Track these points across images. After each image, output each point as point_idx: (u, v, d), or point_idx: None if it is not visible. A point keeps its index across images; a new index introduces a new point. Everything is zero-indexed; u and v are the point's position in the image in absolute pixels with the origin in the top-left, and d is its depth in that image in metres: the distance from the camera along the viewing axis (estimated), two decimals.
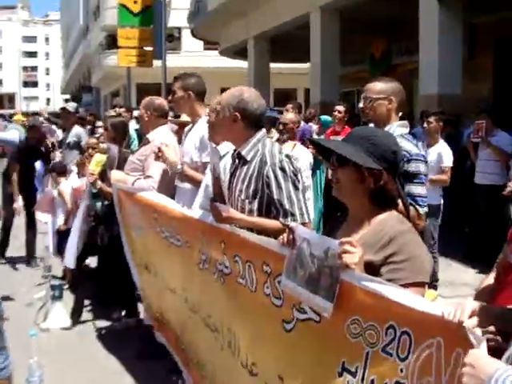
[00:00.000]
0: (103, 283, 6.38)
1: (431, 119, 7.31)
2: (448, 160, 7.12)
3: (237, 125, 3.34)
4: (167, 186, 4.85)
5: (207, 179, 4.17)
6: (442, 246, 7.19)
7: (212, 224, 3.31)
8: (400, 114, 3.87)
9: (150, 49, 18.59)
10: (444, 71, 10.62)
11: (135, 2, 18.35)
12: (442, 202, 7.05)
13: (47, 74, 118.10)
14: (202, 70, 24.48)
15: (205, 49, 34.29)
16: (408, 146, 3.54)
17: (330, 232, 2.57)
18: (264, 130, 3.45)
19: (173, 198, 4.58)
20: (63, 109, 9.40)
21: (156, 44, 18.23)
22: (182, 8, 27.42)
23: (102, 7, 40.58)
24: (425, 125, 7.41)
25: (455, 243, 8.48)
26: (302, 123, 9.63)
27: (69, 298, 6.26)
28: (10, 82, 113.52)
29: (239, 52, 21.49)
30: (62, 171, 7.60)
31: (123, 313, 5.94)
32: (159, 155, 4.55)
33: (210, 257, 3.36)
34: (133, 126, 9.96)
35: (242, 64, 22.08)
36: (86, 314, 6.21)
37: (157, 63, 18.41)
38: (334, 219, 2.72)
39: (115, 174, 5.25)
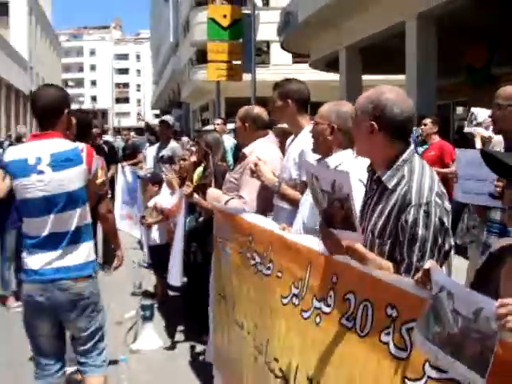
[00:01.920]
0: (195, 303, 6.07)
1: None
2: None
3: (374, 137, 2.60)
4: (264, 203, 4.44)
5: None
6: None
7: (323, 253, 2.72)
8: None
9: (239, 62, 18.47)
10: None
11: (225, 17, 18.30)
12: None
13: (138, 90, 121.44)
14: None
15: (293, 62, 34.03)
16: None
17: (486, 275, 2.07)
18: (412, 145, 2.70)
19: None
20: (162, 121, 9.17)
21: (245, 58, 18.08)
22: (270, 21, 27.25)
23: (192, 23, 41.07)
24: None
25: None
26: None
27: (160, 317, 6.01)
28: (104, 99, 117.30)
29: (330, 64, 21.07)
30: (158, 181, 7.33)
31: None
32: (254, 172, 4.14)
33: (306, 292, 2.82)
34: (228, 139, 9.68)
35: (332, 77, 21.65)
36: (178, 336, 5.93)
37: (246, 77, 18.25)
38: (490, 257, 2.17)
39: (210, 192, 4.87)
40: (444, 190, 2.55)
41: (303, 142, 4.07)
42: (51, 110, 3.68)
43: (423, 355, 1.93)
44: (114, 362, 5.24)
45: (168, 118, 9.40)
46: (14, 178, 3.63)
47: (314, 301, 2.71)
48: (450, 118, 19.73)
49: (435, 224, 2.44)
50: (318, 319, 2.65)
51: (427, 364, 1.93)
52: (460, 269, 7.94)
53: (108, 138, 22.12)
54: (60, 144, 3.64)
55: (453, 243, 2.51)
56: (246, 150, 4.77)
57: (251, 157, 4.57)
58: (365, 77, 19.09)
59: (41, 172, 3.56)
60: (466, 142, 12.75)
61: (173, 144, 8.73)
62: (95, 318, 3.81)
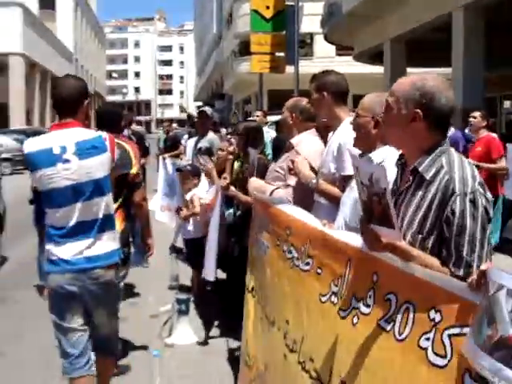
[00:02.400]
0: (232, 298, 5.98)
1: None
2: None
3: (416, 126, 2.46)
4: (303, 199, 4.31)
5: (354, 193, 3.48)
6: None
7: (364, 250, 2.54)
8: None
9: (282, 54, 18.33)
10: None
11: (268, 8, 18.17)
12: None
13: (181, 82, 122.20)
14: None
15: (337, 54, 33.77)
16: None
17: None
18: (447, 137, 2.55)
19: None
20: (201, 112, 9.08)
21: (288, 50, 17.94)
22: (313, 13, 27.06)
23: (235, 15, 41.06)
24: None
25: None
26: (452, 130, 8.91)
27: (196, 311, 5.93)
28: (147, 90, 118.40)
29: (374, 56, 20.80)
30: (197, 173, 7.24)
31: None
32: (291, 169, 4.03)
33: (345, 290, 2.66)
34: (267, 132, 9.55)
35: (377, 69, 21.36)
36: (214, 330, 5.85)
37: (289, 69, 18.11)
38: None
39: (253, 182, 4.70)
40: (482, 180, 2.40)
41: (342, 135, 3.94)
42: (72, 100, 3.66)
43: (464, 365, 1.79)
44: (146, 356, 5.22)
45: (206, 108, 9.30)
46: (36, 169, 3.58)
47: (352, 300, 2.57)
48: (497, 111, 19.27)
49: (482, 214, 2.31)
50: (355, 319, 2.51)
51: (467, 374, 1.79)
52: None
53: (139, 128, 22.13)
54: (83, 133, 3.62)
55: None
56: (293, 141, 4.65)
57: (300, 147, 4.49)
58: (409, 69, 18.78)
59: (67, 161, 3.53)
60: None
61: (211, 135, 8.59)
62: (119, 306, 3.82)
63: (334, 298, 2.77)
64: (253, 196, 4.53)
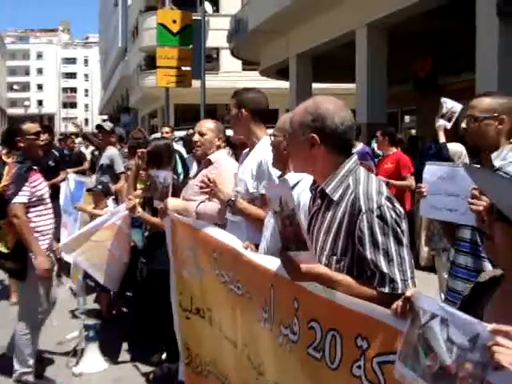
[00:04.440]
0: (140, 322, 5.81)
1: None
2: None
3: (316, 150, 2.46)
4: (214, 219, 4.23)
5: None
6: None
7: (284, 276, 2.48)
8: None
9: (188, 69, 18.24)
10: (505, 91, 9.91)
11: (174, 22, 18.05)
12: None
13: (86, 95, 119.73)
14: None
15: (243, 69, 33.93)
16: None
17: (470, 307, 1.87)
18: (355, 156, 2.57)
19: None
20: (99, 127, 8.80)
21: (195, 64, 17.87)
22: (220, 28, 27.13)
23: (141, 28, 40.63)
24: None
25: None
26: (360, 145, 9.07)
27: (105, 336, 5.72)
28: (50, 103, 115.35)
29: (280, 72, 21.00)
30: (108, 192, 7.00)
31: (164, 356, 5.36)
32: (210, 190, 3.89)
33: (275, 317, 2.61)
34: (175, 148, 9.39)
35: (283, 84, 21.57)
36: (124, 356, 5.66)
37: (195, 84, 18.04)
38: (475, 287, 1.99)
39: (173, 202, 4.50)
40: (391, 195, 2.43)
41: (260, 153, 3.91)
42: None
43: None
44: None
45: (105, 123, 9.07)
46: None
47: (281, 327, 2.53)
48: (398, 125, 19.88)
49: (393, 227, 2.31)
50: (288, 347, 2.47)
51: None
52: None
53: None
54: None
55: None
56: (211, 157, 4.65)
57: (218, 164, 4.48)
58: (315, 85, 19.09)
59: None
60: (415, 148, 12.87)
61: (111, 151, 8.24)
62: None
63: (267, 324, 2.71)
64: (172, 217, 4.38)
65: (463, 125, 3.31)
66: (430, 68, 17.51)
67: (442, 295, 6.26)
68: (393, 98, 18.39)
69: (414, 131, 20.81)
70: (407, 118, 22.54)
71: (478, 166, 3.19)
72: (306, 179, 2.97)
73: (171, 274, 4.39)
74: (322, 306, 2.25)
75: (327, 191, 2.46)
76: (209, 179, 3.89)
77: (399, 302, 1.84)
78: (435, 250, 6.49)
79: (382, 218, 2.31)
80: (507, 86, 9.84)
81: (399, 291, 2.24)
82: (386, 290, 2.27)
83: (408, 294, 1.81)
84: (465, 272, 3.24)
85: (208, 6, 33.27)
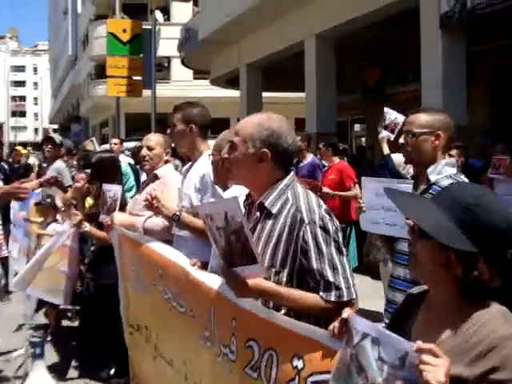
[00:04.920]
0: (89, 337, 5.76)
1: (453, 152, 6.81)
2: None
3: (263, 165, 2.51)
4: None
5: None
6: None
7: (223, 293, 2.53)
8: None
9: (139, 78, 18.13)
10: (448, 102, 10.16)
11: (124, 31, 17.92)
12: None
13: (35, 103, 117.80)
14: (192, 100, 24.08)
15: (194, 78, 33.88)
16: None
17: (402, 319, 1.94)
18: (293, 172, 2.63)
19: None
20: (47, 138, 8.39)
21: (145, 73, 17.77)
22: (170, 37, 27.05)
23: (91, 36, 40.26)
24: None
25: None
26: (311, 156, 9.08)
27: (52, 351, 5.65)
28: None
29: (231, 81, 21.07)
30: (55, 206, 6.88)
31: (113, 371, 5.32)
32: (153, 204, 3.86)
33: (215, 335, 2.61)
34: (125, 159, 9.31)
35: (233, 93, 21.64)
36: (72, 373, 5.59)
37: (146, 93, 17.95)
38: (407, 298, 2.05)
39: (119, 217, 4.46)
40: (327, 208, 2.51)
41: (203, 166, 3.96)
42: None
43: None
44: None
45: (55, 135, 8.88)
46: None
47: (221, 346, 2.53)
48: (347, 134, 20.15)
49: (334, 238, 2.41)
50: (228, 366, 2.47)
51: None
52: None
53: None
54: None
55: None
56: (158, 172, 4.66)
57: (164, 180, 4.48)
58: (265, 94, 19.21)
59: None
60: (363, 157, 13.10)
61: (58, 164, 7.98)
62: None
63: (208, 343, 2.71)
64: (119, 232, 4.36)
65: (401, 140, 3.40)
66: (378, 77, 17.82)
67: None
68: (343, 106, 18.63)
69: (363, 139, 21.12)
70: (357, 127, 22.86)
71: (400, 185, 3.28)
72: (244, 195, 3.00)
73: (120, 288, 4.37)
74: (261, 326, 2.27)
75: (266, 204, 2.50)
76: (151, 195, 3.89)
77: (336, 323, 1.88)
78: (375, 260, 6.60)
79: (324, 228, 2.39)
80: (451, 96, 10.12)
81: (345, 298, 2.33)
82: (333, 298, 2.34)
83: (344, 315, 1.85)
84: (403, 284, 3.32)
85: (159, 15, 33.18)
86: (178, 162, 7.38)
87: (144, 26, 18.55)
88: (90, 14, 42.82)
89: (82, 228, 5.03)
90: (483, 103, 13.50)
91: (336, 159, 8.55)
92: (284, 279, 2.41)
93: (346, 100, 19.03)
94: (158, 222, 4.27)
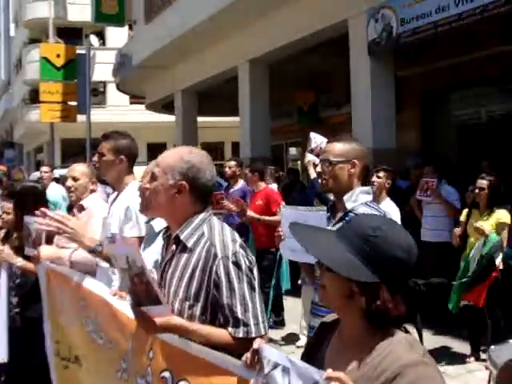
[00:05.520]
0: (16, 372, 5.60)
1: (381, 174, 6.97)
2: (395, 218, 6.76)
3: (181, 197, 2.54)
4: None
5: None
6: None
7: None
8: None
9: (74, 103, 17.96)
10: (377, 125, 10.44)
11: (58, 56, 17.75)
12: None
13: None
14: (128, 125, 24.05)
15: (131, 103, 33.70)
16: None
17: (316, 346, 2.00)
18: (210, 207, 2.69)
19: None
20: None
21: (80, 98, 17.62)
22: (106, 62, 26.92)
23: (25, 61, 39.65)
24: (374, 179, 7.04)
25: None
26: (241, 182, 9.04)
27: None
28: None
29: (167, 106, 21.06)
30: None
31: None
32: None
33: (131, 367, 2.60)
34: (57, 188, 9.15)
35: (170, 118, 21.64)
36: None
37: (82, 118, 17.79)
38: (321, 326, 2.11)
39: (45, 250, 4.36)
40: (243, 243, 2.54)
41: (128, 198, 3.95)
42: None
43: None
44: None
45: None
46: None
47: (137, 378, 2.52)
48: (283, 158, 20.37)
49: (247, 274, 2.42)
50: None
51: None
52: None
53: None
54: None
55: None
56: (83, 203, 4.65)
57: (89, 211, 4.46)
58: (200, 118, 19.29)
59: None
60: (297, 181, 13.23)
61: None
62: None
63: (124, 375, 2.71)
64: (46, 266, 4.28)
65: (318, 168, 3.49)
66: (313, 101, 18.11)
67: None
68: (278, 130, 18.89)
69: (299, 162, 21.36)
70: (293, 150, 23.09)
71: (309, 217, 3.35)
72: None
73: (45, 323, 4.28)
74: (176, 356, 2.29)
75: (182, 237, 2.52)
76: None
77: (248, 354, 1.93)
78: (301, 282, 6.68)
79: (237, 264, 2.41)
80: (380, 120, 10.40)
81: (253, 335, 2.34)
82: (241, 334, 2.36)
83: (255, 345, 1.90)
84: (324, 311, 3.39)
85: (94, 39, 33.04)
86: (109, 189, 7.31)
87: (79, 51, 18.44)
88: (23, 38, 42.20)
89: (15, 263, 4.88)
90: (412, 126, 13.87)
91: (263, 184, 8.44)
92: (197, 313, 2.43)
93: (282, 124, 19.30)
94: (85, 255, 4.23)
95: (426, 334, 7.57)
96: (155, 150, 29.86)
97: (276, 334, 7.87)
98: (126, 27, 32.59)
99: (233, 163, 9.04)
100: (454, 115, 13.50)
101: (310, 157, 5.83)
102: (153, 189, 2.60)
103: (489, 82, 12.35)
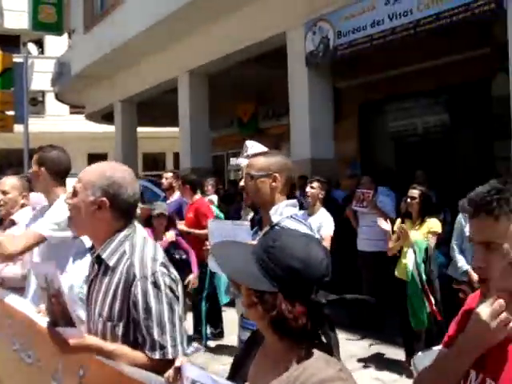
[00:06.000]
0: None
1: (314, 185, 7.03)
2: (329, 228, 6.85)
3: (102, 214, 2.48)
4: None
5: (71, 279, 3.33)
6: None
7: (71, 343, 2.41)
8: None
9: (11, 113, 17.59)
10: (315, 136, 10.59)
11: None
12: None
13: None
14: (68, 135, 23.70)
15: (71, 113, 33.19)
16: (301, 229, 3.02)
17: (242, 360, 2.02)
18: (135, 223, 2.60)
19: None
20: None
21: (17, 108, 17.28)
22: (45, 71, 26.47)
23: None
24: (307, 189, 7.07)
25: (339, 312, 8.25)
26: (177, 194, 8.94)
27: None
28: None
29: (106, 116, 20.87)
30: None
31: None
32: None
33: None
34: None
35: (111, 128, 21.45)
36: None
37: (20, 128, 17.44)
38: (249, 338, 2.13)
39: None
40: (167, 261, 2.49)
41: (57, 212, 3.89)
42: None
43: None
44: None
45: None
46: None
47: None
48: (224, 168, 20.42)
49: (167, 294, 2.37)
50: None
51: None
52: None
53: None
54: None
55: (181, 311, 2.46)
56: (14, 217, 4.55)
57: (20, 226, 4.34)
58: (140, 129, 19.19)
59: None
60: (236, 192, 13.21)
61: None
62: None
63: None
64: None
65: (241, 183, 3.50)
66: (253, 112, 18.24)
67: None
68: (220, 141, 18.93)
69: (240, 173, 21.37)
70: (235, 160, 23.13)
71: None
72: None
73: None
74: (106, 373, 2.26)
75: (103, 256, 2.46)
76: None
77: (170, 371, 1.94)
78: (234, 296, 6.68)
79: (155, 284, 2.36)
80: (318, 130, 10.56)
81: (170, 356, 2.30)
82: (157, 356, 2.32)
83: (177, 363, 1.92)
84: (253, 324, 3.40)
85: (33, 48, 32.43)
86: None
87: (16, 59, 18.08)
88: None
89: None
90: (351, 137, 14.12)
91: (196, 196, 8.24)
92: (120, 333, 2.39)
93: (223, 134, 19.35)
94: (15, 271, 4.15)
95: (361, 341, 7.71)
96: (96, 160, 29.46)
97: (214, 346, 7.87)
98: (66, 35, 32.16)
99: (169, 175, 8.98)
100: (390, 126, 13.80)
101: (246, 162, 5.83)
102: (73, 205, 2.54)
103: (424, 94, 12.69)
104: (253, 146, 5.90)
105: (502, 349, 1.79)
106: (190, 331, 7.67)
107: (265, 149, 5.74)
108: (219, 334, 8.28)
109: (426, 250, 6.37)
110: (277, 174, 3.32)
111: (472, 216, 1.84)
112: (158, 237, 6.94)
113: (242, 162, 5.87)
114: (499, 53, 9.10)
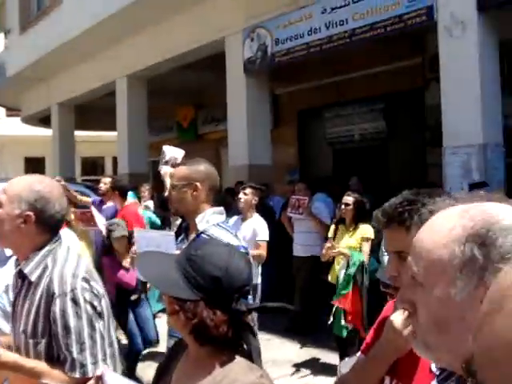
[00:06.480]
0: None
1: (247, 191, 7.06)
2: (264, 234, 6.89)
3: (26, 228, 2.41)
4: None
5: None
6: (260, 322, 6.95)
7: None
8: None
9: None
10: (253, 142, 10.65)
11: None
12: (260, 280, 6.73)
13: None
14: (4, 138, 23.19)
15: (7, 115, 32.45)
16: (226, 237, 3.08)
17: (166, 367, 2.00)
18: (60, 235, 2.54)
19: None
20: None
21: None
22: None
23: None
24: (240, 196, 7.10)
25: (274, 318, 8.30)
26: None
27: None
28: None
29: (44, 120, 20.47)
30: None
31: None
32: None
33: None
34: None
35: (48, 131, 21.06)
36: None
37: None
38: (174, 346, 2.11)
39: None
40: (91, 275, 2.43)
41: None
42: None
43: None
44: None
45: None
46: None
47: None
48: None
49: (87, 310, 2.32)
50: None
51: None
52: None
53: None
54: None
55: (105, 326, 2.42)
56: None
57: None
58: (78, 133, 18.91)
59: None
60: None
61: None
62: None
63: None
64: None
65: (166, 193, 3.52)
66: (192, 117, 18.20)
67: None
68: (159, 145, 18.74)
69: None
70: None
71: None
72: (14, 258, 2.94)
73: None
74: None
75: (26, 271, 2.40)
76: None
77: (92, 381, 1.94)
78: None
79: (74, 301, 2.30)
80: (256, 136, 10.63)
81: (90, 375, 2.25)
82: (77, 375, 2.28)
83: (98, 373, 1.92)
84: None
85: None
86: None
87: None
88: None
89: None
90: (290, 143, 14.25)
91: (125, 203, 8.12)
92: (43, 350, 2.34)
93: (163, 139, 19.18)
94: None
95: (295, 347, 7.77)
96: (33, 164, 28.89)
97: (148, 353, 7.80)
98: (1, 36, 31.52)
99: (107, 180, 8.87)
100: (328, 133, 13.98)
101: (165, 168, 5.82)
102: None
103: (361, 102, 12.90)
104: (170, 152, 5.88)
105: (413, 355, 1.84)
106: None
107: (182, 153, 5.72)
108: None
109: (362, 263, 6.46)
110: (198, 184, 3.34)
111: (385, 226, 1.89)
112: (121, 260, 6.39)
113: (162, 168, 5.86)
114: (431, 63, 9.35)
